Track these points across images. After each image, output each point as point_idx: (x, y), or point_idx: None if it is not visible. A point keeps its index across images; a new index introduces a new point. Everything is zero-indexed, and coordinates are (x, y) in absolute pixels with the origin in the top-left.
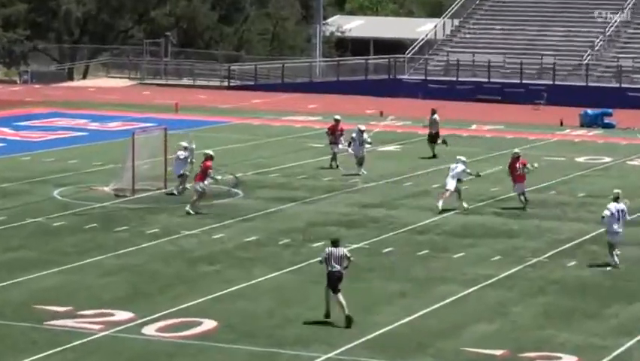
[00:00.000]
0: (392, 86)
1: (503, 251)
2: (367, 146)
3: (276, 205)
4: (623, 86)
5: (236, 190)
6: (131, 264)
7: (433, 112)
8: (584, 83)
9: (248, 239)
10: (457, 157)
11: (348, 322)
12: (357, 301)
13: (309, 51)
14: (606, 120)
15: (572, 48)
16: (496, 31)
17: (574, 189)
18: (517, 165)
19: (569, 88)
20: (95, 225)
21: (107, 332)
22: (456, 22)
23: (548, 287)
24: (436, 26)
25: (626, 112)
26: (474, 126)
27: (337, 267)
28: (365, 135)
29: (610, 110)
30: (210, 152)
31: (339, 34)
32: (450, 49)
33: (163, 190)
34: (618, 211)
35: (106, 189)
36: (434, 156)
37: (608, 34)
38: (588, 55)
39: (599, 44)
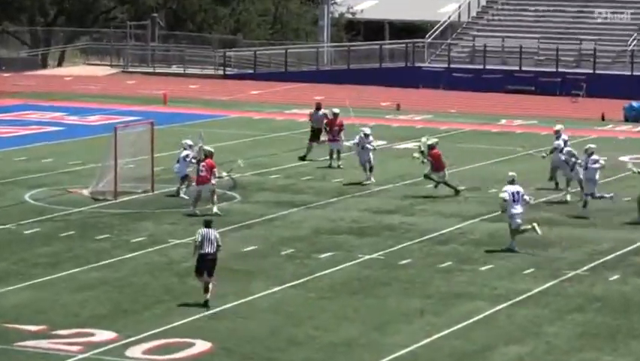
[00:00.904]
0: (410, 76)
1: (537, 263)
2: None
3: (278, 210)
4: None
5: (232, 193)
6: (113, 277)
7: (318, 106)
8: (628, 72)
9: (246, 249)
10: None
11: (205, 304)
12: (371, 320)
13: (315, 35)
14: None
15: (615, 32)
16: (529, 13)
17: (617, 192)
18: None
19: (611, 77)
20: (72, 233)
21: (86, 355)
22: (483, 2)
23: (588, 304)
24: (460, 7)
25: None
26: (503, 121)
27: (211, 250)
28: (371, 139)
29: None
30: (210, 149)
31: (349, 15)
32: (476, 33)
33: (150, 193)
34: (514, 194)
35: (84, 192)
36: (303, 158)
37: None
38: (634, 40)
39: None
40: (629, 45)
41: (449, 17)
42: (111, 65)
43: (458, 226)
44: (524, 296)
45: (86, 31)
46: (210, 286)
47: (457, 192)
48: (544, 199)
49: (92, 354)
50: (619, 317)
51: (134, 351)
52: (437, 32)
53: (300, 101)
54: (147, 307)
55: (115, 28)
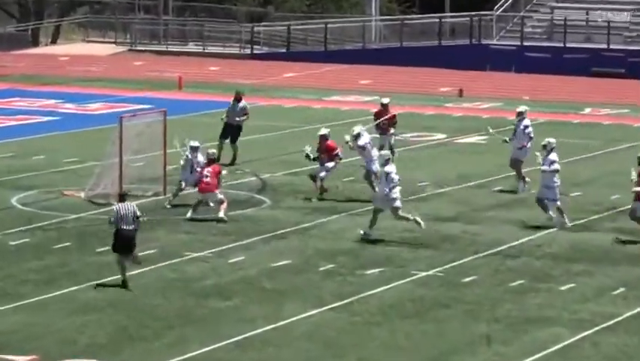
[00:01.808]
0: (475, 55)
1: (627, 282)
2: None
3: (315, 218)
4: None
5: (260, 197)
6: (117, 298)
7: (238, 97)
8: None
9: (276, 264)
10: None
11: (124, 285)
12: (428, 349)
13: (361, 7)
14: None
15: None
16: None
17: None
18: None
19: None
20: (67, 244)
21: None
22: None
23: None
24: None
25: None
26: (588, 110)
27: (128, 226)
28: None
29: None
30: (213, 150)
31: None
32: (555, 4)
33: (161, 196)
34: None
35: (83, 194)
36: (232, 163)
37: None
38: None
39: None
40: None
41: None
42: (115, 43)
43: (533, 237)
44: (613, 322)
45: (85, 1)
46: (127, 263)
47: (321, 193)
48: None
49: None
50: None
51: None
52: (508, 4)
53: (343, 85)
54: (158, 334)
55: None
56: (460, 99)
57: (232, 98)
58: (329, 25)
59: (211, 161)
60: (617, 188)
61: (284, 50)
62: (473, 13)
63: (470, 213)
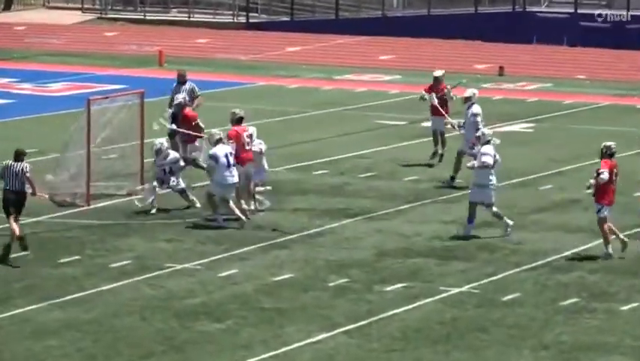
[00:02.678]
0: (519, 26)
1: None
2: None
3: (325, 222)
4: None
5: (258, 197)
6: (84, 318)
7: (182, 79)
8: None
9: (277, 278)
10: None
11: (24, 247)
12: None
13: None
14: None
15: None
16: None
17: None
18: None
19: None
20: (24, 253)
21: None
22: None
23: None
24: None
25: None
26: None
27: (14, 186)
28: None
29: None
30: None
31: None
32: None
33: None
34: (227, 155)
35: (44, 194)
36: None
37: None
38: None
39: None
40: None
41: None
42: (82, 10)
43: (588, 246)
44: None
45: None
46: (17, 228)
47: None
48: None
49: None
50: None
51: None
52: None
53: (358, 61)
54: None
55: None
56: (500, 78)
57: (175, 82)
58: None
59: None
60: None
61: (287, 19)
62: None
63: (512, 217)
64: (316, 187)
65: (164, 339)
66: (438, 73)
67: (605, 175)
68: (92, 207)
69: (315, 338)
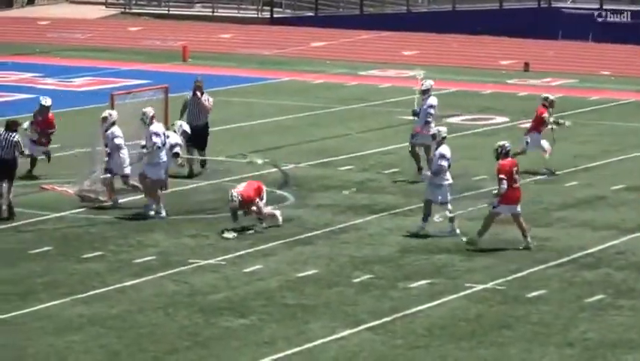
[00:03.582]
0: (544, 20)
1: None
2: None
3: (349, 218)
4: None
5: (282, 192)
6: (107, 314)
7: (199, 90)
8: None
9: (301, 274)
10: None
11: (10, 214)
12: None
13: None
14: None
15: None
16: None
17: None
18: None
19: None
20: (47, 248)
21: None
22: None
23: None
24: None
25: None
26: None
27: (5, 154)
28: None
29: None
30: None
31: None
32: None
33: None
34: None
35: (68, 189)
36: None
37: None
38: None
39: None
40: None
41: None
42: (106, 5)
43: (614, 242)
44: None
45: None
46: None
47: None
48: None
49: None
50: None
51: None
52: None
53: (383, 57)
54: (158, 359)
55: None
56: (526, 74)
57: (192, 90)
58: None
59: None
60: None
61: (311, 14)
62: None
63: (538, 213)
64: (341, 183)
65: (188, 335)
66: (550, 96)
67: (504, 186)
68: (115, 202)
69: (339, 334)
